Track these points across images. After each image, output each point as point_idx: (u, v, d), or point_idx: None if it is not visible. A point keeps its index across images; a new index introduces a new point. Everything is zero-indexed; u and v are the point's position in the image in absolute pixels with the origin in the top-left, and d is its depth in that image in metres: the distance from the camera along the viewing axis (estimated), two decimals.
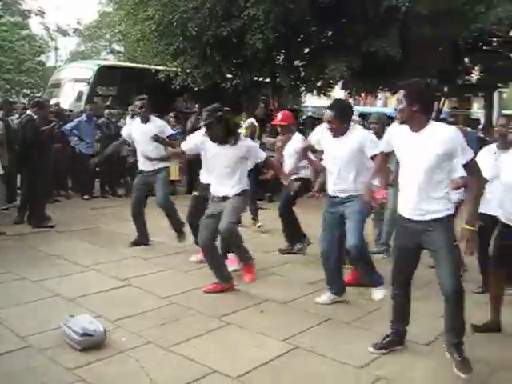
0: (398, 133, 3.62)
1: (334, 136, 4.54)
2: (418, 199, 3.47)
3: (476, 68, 17.20)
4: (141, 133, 6.38)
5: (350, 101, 23.73)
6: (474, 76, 17.63)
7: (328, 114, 4.52)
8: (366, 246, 4.87)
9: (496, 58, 15.88)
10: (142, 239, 6.66)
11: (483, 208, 4.06)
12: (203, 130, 4.87)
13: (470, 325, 4.08)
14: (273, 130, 9.25)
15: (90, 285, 5.12)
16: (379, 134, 6.06)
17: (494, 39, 16.05)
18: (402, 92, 3.48)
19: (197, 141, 5.01)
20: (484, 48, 16.32)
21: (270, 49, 10.95)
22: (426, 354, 3.87)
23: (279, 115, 6.73)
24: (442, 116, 16.62)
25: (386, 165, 4.18)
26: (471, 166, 3.44)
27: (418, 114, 3.41)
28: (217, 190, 4.94)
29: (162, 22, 10.98)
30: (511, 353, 3.94)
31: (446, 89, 17.09)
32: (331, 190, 4.65)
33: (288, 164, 6.15)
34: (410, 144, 3.49)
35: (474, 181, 3.54)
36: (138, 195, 6.60)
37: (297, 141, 6.20)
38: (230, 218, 4.78)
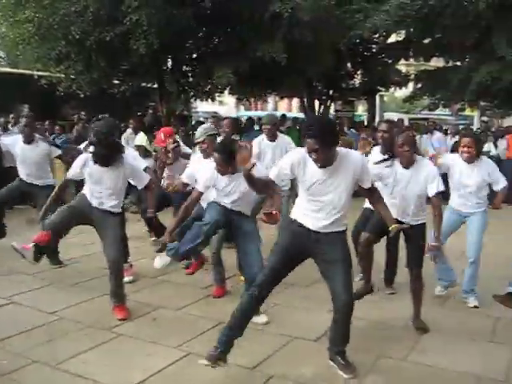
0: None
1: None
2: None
3: (358, 72, 18.05)
4: (25, 155, 6.13)
5: (241, 106, 24.07)
6: (357, 80, 18.51)
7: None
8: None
9: (376, 64, 16.79)
10: None
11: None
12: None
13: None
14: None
15: None
16: (272, 134, 6.20)
17: (373, 46, 16.96)
18: (312, 138, 3.28)
19: None
20: (365, 54, 17.21)
21: (156, 54, 10.79)
22: (316, 350, 4.00)
23: (161, 135, 6.30)
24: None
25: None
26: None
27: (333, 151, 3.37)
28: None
29: (41, 25, 10.45)
30: (394, 343, 4.19)
31: (330, 92, 17.77)
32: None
33: None
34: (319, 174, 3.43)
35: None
36: (7, 193, 6.25)
37: None
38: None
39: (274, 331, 4.33)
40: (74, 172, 4.72)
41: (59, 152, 6.53)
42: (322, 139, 3.25)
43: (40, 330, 4.32)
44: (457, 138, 12.17)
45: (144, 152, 7.41)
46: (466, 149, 4.90)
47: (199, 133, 5.15)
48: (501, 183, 5.02)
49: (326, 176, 3.40)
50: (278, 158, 5.65)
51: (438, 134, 12.54)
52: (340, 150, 3.41)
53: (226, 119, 6.84)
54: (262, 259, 4.29)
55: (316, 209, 3.48)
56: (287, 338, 4.18)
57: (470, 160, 4.91)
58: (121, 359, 3.85)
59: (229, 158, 4.30)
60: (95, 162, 4.53)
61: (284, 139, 6.38)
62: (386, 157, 4.50)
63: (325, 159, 3.32)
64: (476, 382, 3.59)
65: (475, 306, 5.01)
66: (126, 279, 5.25)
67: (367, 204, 5.04)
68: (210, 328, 4.37)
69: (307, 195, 3.50)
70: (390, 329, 4.46)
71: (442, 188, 4.29)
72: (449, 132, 14.45)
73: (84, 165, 4.61)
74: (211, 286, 5.28)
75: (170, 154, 6.08)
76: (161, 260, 4.52)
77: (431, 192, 4.27)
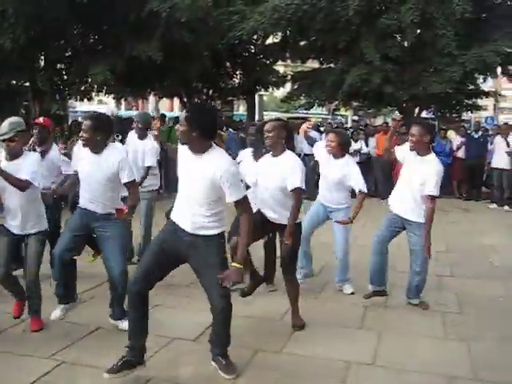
0: (181, 153, 3.55)
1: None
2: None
3: (237, 72, 18.31)
4: None
5: (122, 106, 23.52)
6: (236, 80, 18.77)
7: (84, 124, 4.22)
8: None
9: (254, 64, 17.14)
10: None
11: None
12: None
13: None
14: None
15: None
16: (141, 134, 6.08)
17: (252, 47, 17.30)
18: (183, 115, 3.44)
19: None
20: (243, 54, 17.50)
21: (25, 50, 10.22)
22: (194, 349, 4.02)
23: (41, 119, 5.92)
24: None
25: None
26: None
27: (198, 139, 3.35)
28: None
29: None
30: (271, 337, 4.31)
31: (209, 92, 17.89)
32: None
33: None
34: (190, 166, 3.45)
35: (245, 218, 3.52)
36: None
37: None
38: None
39: (153, 333, 4.29)
40: None
41: None
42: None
43: None
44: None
45: None
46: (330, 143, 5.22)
47: (5, 127, 4.22)
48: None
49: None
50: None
51: (313, 133, 13.02)
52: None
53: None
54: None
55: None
56: (167, 339, 4.15)
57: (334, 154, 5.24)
58: None
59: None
60: None
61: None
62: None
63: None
64: (346, 367, 3.80)
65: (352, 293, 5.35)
66: None
67: None
68: (85, 335, 4.24)
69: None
70: (267, 323, 4.58)
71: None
72: (323, 130, 15.06)
73: None
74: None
75: None
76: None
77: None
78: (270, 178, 4.35)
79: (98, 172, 4.19)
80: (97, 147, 4.21)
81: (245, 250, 3.59)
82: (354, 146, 12.26)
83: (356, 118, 19.55)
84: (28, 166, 4.14)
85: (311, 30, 13.91)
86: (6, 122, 4.23)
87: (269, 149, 4.49)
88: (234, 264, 3.48)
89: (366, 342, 4.26)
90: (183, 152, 3.52)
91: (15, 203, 4.20)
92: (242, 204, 3.44)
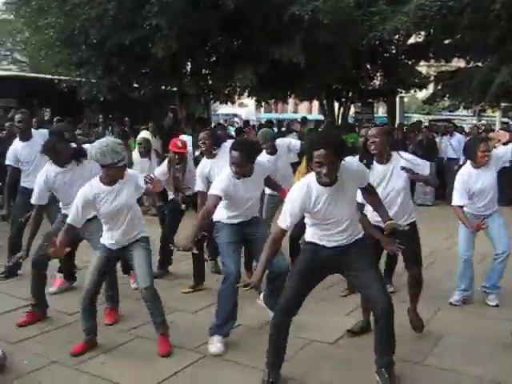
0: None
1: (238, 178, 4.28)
2: None
3: (378, 74, 17.95)
4: (27, 153, 5.78)
5: (262, 109, 24.13)
6: (377, 82, 18.41)
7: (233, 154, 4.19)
8: None
9: (395, 65, 16.69)
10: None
11: None
12: None
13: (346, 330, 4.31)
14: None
15: None
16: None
17: (393, 47, 16.87)
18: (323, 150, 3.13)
19: None
20: (384, 55, 17.11)
21: (175, 58, 10.88)
22: (332, 353, 4.00)
23: (178, 142, 5.94)
24: (348, 121, 17.27)
25: None
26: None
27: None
28: None
29: (63, 30, 10.63)
30: (411, 346, 4.16)
31: (349, 94, 17.72)
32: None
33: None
34: None
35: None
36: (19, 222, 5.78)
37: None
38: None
39: (292, 333, 4.33)
40: None
41: None
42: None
43: (59, 331, 4.39)
44: None
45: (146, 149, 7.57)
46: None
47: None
48: None
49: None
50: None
51: (457, 136, 12.42)
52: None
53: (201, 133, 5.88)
54: None
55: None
56: (305, 341, 4.17)
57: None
58: (138, 361, 3.90)
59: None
60: None
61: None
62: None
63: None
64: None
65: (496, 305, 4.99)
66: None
67: None
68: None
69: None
70: (409, 332, 4.41)
71: None
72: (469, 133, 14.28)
73: None
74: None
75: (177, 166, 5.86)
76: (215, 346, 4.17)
77: None
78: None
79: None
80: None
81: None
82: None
83: (506, 120, 18.24)
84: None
85: (457, 27, 13.25)
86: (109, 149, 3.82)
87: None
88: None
89: None
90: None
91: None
92: None
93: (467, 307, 5.03)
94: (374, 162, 4.17)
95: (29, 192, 4.95)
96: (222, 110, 30.64)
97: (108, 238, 4.09)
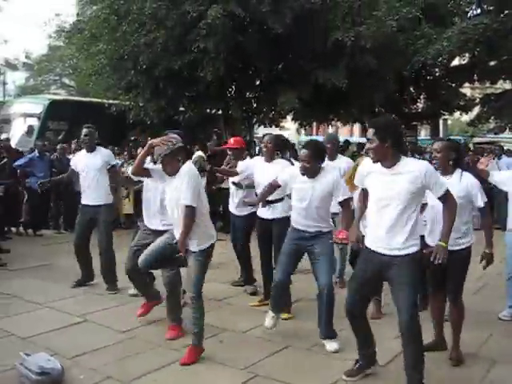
0: (370, 171, 3.66)
1: (305, 175, 4.48)
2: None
3: (421, 97, 17.86)
4: (86, 163, 6.20)
5: (302, 131, 24.27)
6: (420, 105, 18.31)
7: (303, 152, 4.46)
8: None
9: (439, 88, 16.58)
10: (86, 278, 6.37)
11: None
12: None
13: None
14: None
15: (46, 322, 5.02)
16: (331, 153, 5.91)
17: (436, 70, 16.78)
18: (371, 130, 3.49)
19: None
20: (428, 78, 17.04)
21: (222, 81, 11.13)
22: (384, 375, 3.98)
23: (231, 140, 6.45)
24: None
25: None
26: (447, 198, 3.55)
27: (391, 150, 3.44)
28: None
29: (113, 56, 11.05)
30: (462, 373, 4.09)
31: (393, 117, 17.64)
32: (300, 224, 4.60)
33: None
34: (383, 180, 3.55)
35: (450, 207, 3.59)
36: (81, 231, 6.31)
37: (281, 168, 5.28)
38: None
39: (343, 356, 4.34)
40: None
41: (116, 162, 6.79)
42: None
43: (112, 347, 4.50)
44: None
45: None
46: None
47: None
48: None
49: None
50: None
51: (505, 158, 12.20)
52: None
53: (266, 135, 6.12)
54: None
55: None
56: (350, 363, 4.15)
57: None
58: (190, 379, 3.96)
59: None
60: None
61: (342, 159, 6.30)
62: None
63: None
64: None
65: None
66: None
67: None
68: (276, 351, 4.43)
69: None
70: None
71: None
72: None
73: None
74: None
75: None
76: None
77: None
78: None
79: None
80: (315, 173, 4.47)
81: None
82: None
83: None
84: None
85: (502, 49, 13.14)
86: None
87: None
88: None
89: None
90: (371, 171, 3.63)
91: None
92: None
93: None
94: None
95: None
96: (263, 133, 30.78)
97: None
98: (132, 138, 10.72)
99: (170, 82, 11.38)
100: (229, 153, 6.48)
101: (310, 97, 11.46)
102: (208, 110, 13.73)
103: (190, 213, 4.10)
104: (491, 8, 13.92)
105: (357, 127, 26.96)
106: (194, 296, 4.21)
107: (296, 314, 5.16)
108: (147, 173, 4.54)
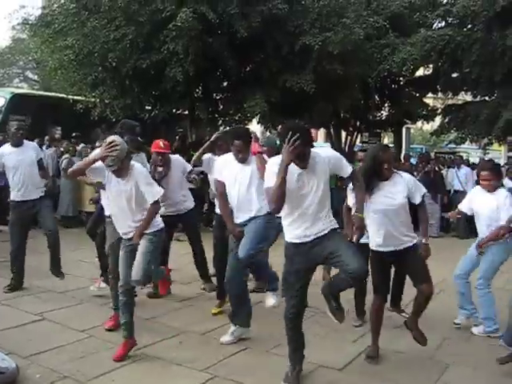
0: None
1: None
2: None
3: (385, 105, 18.15)
4: (17, 159, 5.91)
5: (268, 133, 24.32)
6: (384, 112, 18.60)
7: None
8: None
9: (402, 97, 16.89)
10: (18, 283, 6.02)
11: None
12: None
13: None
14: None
15: (1, 320, 4.92)
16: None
17: (401, 79, 17.09)
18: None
19: None
20: (392, 86, 17.33)
21: (189, 82, 11.10)
22: (340, 378, 4.04)
23: (160, 143, 5.80)
24: (355, 149, 17.38)
25: None
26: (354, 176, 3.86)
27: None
28: None
29: (81, 51, 10.87)
30: (417, 374, 4.19)
31: (357, 124, 17.89)
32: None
33: None
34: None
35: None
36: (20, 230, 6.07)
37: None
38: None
39: None
40: None
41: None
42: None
43: (70, 346, 4.44)
44: None
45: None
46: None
47: None
48: None
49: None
50: None
51: (464, 168, 12.53)
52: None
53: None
54: None
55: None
56: (313, 366, 4.21)
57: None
58: (148, 380, 3.95)
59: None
60: None
61: None
62: None
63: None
64: None
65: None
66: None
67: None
68: (235, 352, 4.45)
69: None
70: (416, 360, 4.45)
71: None
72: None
73: None
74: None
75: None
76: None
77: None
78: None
79: None
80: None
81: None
82: (510, 184, 11.56)
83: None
84: None
85: (465, 61, 13.48)
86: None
87: None
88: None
89: None
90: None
91: None
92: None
93: (475, 337, 5.06)
94: None
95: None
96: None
97: None
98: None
99: (137, 80, 11.30)
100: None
101: (276, 100, 11.53)
102: (174, 110, 13.65)
103: (157, 207, 4.38)
104: (455, 22, 14.28)
105: (322, 132, 27.18)
106: (140, 280, 4.24)
107: (255, 316, 5.18)
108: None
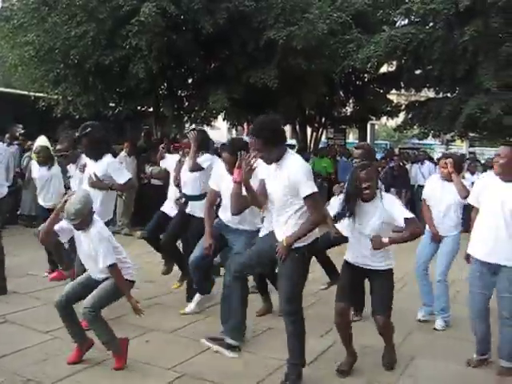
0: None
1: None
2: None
3: (350, 101, 18.31)
4: None
5: (233, 130, 24.36)
6: (349, 109, 18.77)
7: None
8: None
9: (367, 93, 17.08)
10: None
11: None
12: None
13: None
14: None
15: None
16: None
17: (365, 75, 17.27)
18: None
19: None
20: (357, 83, 17.51)
21: (154, 78, 10.99)
22: (305, 375, 4.06)
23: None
24: (320, 146, 17.51)
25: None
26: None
27: (269, 147, 3.70)
28: None
29: (42, 48, 10.63)
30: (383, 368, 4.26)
31: (322, 120, 18.01)
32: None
33: None
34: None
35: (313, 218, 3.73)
36: None
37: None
38: None
39: (266, 355, 4.40)
40: None
41: None
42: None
43: (34, 348, 4.36)
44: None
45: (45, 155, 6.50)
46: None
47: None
48: None
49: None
50: None
51: (428, 164, 12.75)
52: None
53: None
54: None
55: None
56: (279, 362, 4.22)
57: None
58: (115, 380, 3.90)
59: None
60: None
61: None
62: None
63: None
64: None
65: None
66: None
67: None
68: (203, 350, 4.44)
69: None
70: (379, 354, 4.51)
71: None
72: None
73: None
74: (206, 308, 5.37)
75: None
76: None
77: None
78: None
79: None
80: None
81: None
82: (471, 178, 11.83)
83: (472, 149, 18.82)
84: None
85: (427, 59, 13.71)
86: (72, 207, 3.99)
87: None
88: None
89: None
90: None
91: None
92: None
93: (439, 331, 5.18)
94: None
95: None
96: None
97: None
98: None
99: (100, 77, 11.11)
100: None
101: (241, 96, 11.52)
102: (139, 107, 13.52)
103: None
104: (418, 20, 14.49)
105: (288, 129, 27.31)
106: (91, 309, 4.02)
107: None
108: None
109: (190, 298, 5.54)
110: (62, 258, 5.93)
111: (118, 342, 4.11)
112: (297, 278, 3.80)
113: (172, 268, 6.25)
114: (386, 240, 3.92)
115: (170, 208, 6.03)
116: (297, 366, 3.84)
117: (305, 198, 3.66)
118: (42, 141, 6.54)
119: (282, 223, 3.84)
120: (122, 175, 5.10)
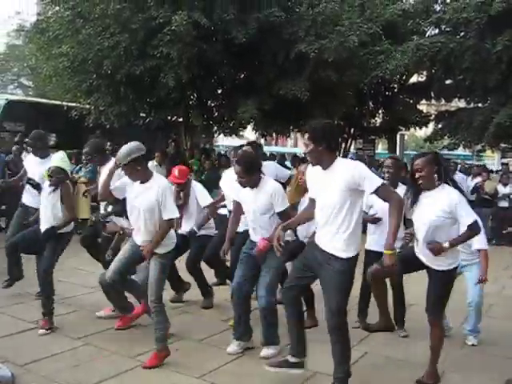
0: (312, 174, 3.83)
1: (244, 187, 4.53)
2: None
3: (379, 111, 18.24)
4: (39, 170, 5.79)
5: (262, 141, 24.45)
6: (378, 119, 18.69)
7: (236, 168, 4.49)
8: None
9: (396, 103, 16.98)
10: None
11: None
12: None
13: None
14: None
15: None
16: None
17: (395, 85, 17.19)
18: (306, 135, 3.64)
19: None
20: (386, 93, 17.43)
21: (183, 88, 11.13)
22: None
23: (176, 171, 5.81)
24: (349, 157, 17.43)
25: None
26: (384, 191, 3.54)
27: (326, 152, 3.58)
28: None
29: (75, 59, 10.89)
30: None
31: (351, 131, 17.95)
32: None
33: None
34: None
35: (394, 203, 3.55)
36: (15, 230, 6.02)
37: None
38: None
39: None
40: None
41: None
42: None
43: (66, 354, 4.42)
44: (478, 179, 12.18)
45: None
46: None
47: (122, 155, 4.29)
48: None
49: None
50: None
51: (459, 175, 12.56)
52: None
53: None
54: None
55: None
56: (309, 373, 4.19)
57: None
58: None
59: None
60: None
61: None
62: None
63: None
64: None
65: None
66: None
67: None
68: (232, 359, 4.44)
69: None
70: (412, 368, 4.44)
71: None
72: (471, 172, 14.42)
73: None
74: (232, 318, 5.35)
75: (181, 194, 5.84)
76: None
77: None
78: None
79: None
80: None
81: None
82: (503, 190, 11.65)
83: (505, 160, 18.47)
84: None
85: (458, 68, 13.58)
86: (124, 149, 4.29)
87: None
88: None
89: None
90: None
91: None
92: None
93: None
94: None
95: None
96: (223, 141, 30.87)
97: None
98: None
99: (131, 87, 11.30)
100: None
101: (270, 107, 11.56)
102: (169, 117, 13.68)
103: (172, 224, 4.36)
104: (448, 29, 14.40)
105: None
106: (155, 299, 4.31)
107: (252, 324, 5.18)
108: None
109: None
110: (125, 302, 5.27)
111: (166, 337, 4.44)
112: (349, 291, 3.70)
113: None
114: (446, 245, 3.84)
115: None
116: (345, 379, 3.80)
117: (377, 190, 3.49)
118: (56, 160, 5.34)
119: (333, 232, 3.62)
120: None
